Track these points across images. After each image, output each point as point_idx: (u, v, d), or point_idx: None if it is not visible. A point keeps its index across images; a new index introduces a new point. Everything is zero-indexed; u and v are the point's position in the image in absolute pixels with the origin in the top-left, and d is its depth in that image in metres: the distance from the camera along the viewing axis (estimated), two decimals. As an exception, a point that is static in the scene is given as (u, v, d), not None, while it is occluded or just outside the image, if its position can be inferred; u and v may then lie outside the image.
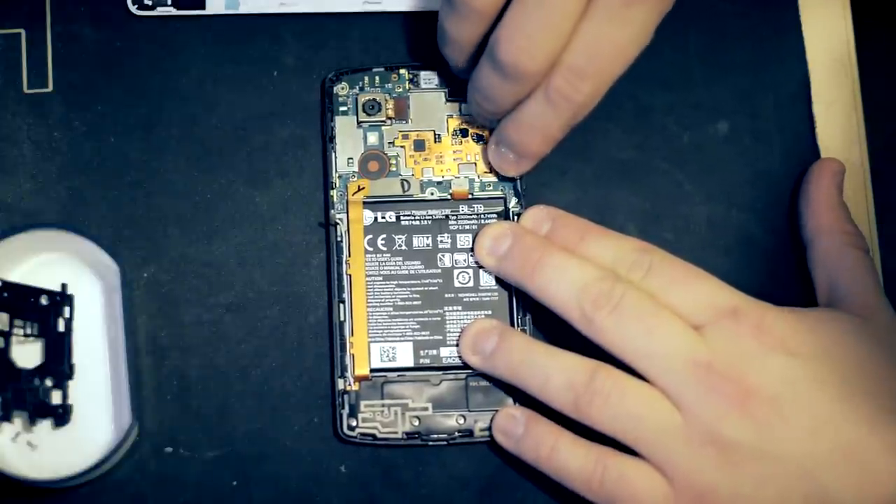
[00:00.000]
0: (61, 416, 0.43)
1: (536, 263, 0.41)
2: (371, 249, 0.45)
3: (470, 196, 0.45)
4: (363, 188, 0.45)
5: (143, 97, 0.47)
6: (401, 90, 0.46)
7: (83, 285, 0.45)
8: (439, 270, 0.45)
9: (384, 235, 0.45)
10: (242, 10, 0.47)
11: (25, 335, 0.43)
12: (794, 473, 0.37)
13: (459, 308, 0.44)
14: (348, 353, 0.44)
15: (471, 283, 0.45)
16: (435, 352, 0.44)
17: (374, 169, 0.46)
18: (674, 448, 0.38)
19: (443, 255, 0.45)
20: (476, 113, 0.44)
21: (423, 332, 0.44)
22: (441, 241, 0.45)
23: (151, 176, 0.46)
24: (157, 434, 0.44)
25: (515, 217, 0.45)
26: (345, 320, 0.44)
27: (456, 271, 0.45)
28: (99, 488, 0.44)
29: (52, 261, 0.45)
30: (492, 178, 0.46)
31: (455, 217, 0.45)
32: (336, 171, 0.45)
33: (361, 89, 0.46)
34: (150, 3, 0.47)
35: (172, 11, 0.47)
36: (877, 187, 0.48)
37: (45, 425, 0.43)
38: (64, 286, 0.44)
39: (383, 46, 0.48)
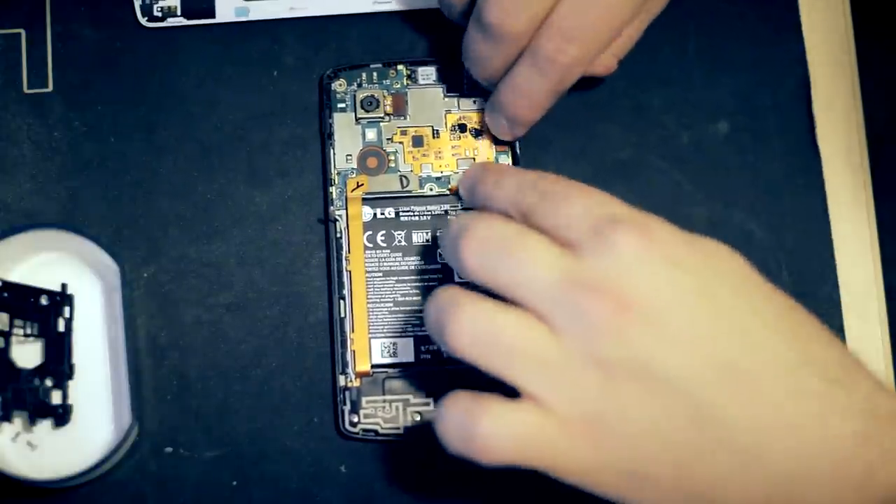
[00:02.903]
0: (61, 416, 0.43)
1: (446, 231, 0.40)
2: (370, 245, 0.45)
3: None
4: (362, 185, 0.45)
5: (143, 97, 0.47)
6: (399, 86, 0.46)
7: (83, 285, 0.45)
8: (439, 266, 0.45)
9: (383, 231, 0.45)
10: (252, 16, 0.47)
11: (25, 335, 0.43)
12: (678, 390, 0.35)
13: None
14: (349, 350, 0.44)
15: None
16: (436, 347, 0.44)
17: (373, 165, 0.46)
18: (554, 376, 0.35)
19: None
20: (474, 76, 0.44)
21: (424, 328, 0.44)
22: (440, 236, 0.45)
23: (151, 176, 0.46)
24: (157, 434, 0.44)
25: None
26: (345, 317, 0.44)
27: None
28: (99, 488, 0.44)
29: (52, 261, 0.45)
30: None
31: (454, 211, 0.45)
32: (335, 167, 0.45)
33: (359, 86, 0.46)
34: (160, 14, 0.47)
35: (183, 22, 0.47)
36: (877, 187, 0.48)
37: (45, 425, 0.44)
38: (64, 286, 0.44)
39: (383, 46, 0.48)
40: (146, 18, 0.47)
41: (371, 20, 0.48)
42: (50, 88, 0.47)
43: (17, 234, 0.43)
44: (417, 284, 0.45)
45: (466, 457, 0.36)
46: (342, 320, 0.44)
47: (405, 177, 0.46)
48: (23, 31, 0.47)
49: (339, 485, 0.44)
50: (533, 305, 0.36)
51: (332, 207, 0.45)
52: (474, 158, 0.46)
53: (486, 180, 0.41)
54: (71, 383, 0.44)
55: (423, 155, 0.46)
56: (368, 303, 0.44)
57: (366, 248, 0.45)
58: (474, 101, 0.46)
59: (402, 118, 0.46)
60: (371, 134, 0.46)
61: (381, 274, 0.45)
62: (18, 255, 0.44)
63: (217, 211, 0.46)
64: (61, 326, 0.44)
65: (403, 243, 0.45)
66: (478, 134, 0.46)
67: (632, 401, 0.35)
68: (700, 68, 0.48)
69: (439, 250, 0.44)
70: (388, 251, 0.45)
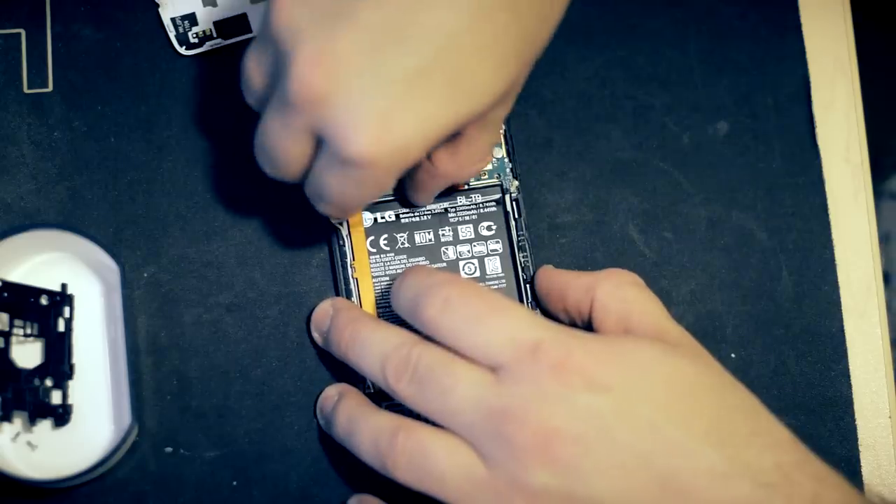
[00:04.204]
0: (61, 416, 0.43)
1: (348, 340, 0.41)
2: (374, 251, 0.45)
3: (466, 187, 0.45)
4: None
5: (143, 97, 0.47)
6: None
7: (83, 285, 0.45)
8: (445, 264, 0.45)
9: (386, 235, 0.45)
10: None
11: (25, 335, 0.43)
12: None
13: None
14: None
15: (477, 273, 0.45)
16: None
17: None
18: (483, 501, 0.37)
19: (446, 249, 0.45)
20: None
21: None
22: (443, 235, 0.45)
23: (151, 176, 0.46)
24: (157, 434, 0.44)
25: (515, 208, 0.45)
26: None
27: (461, 262, 0.45)
28: (99, 488, 0.44)
29: (52, 261, 0.45)
30: (486, 168, 0.46)
31: (454, 209, 0.45)
32: None
33: None
34: (196, 41, 0.47)
35: (221, 43, 0.47)
36: (877, 187, 0.48)
37: (45, 425, 0.43)
38: (64, 286, 0.44)
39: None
40: (183, 47, 0.47)
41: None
42: (50, 88, 0.47)
43: (17, 234, 0.43)
44: None
45: None
46: None
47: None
48: (23, 31, 0.47)
49: (339, 485, 0.44)
50: (461, 433, 0.37)
51: (332, 219, 0.45)
52: None
53: (408, 298, 0.40)
54: (71, 383, 0.44)
55: None
56: (378, 308, 0.44)
57: (370, 253, 0.45)
58: None
59: None
60: None
61: (387, 278, 0.45)
62: (18, 255, 0.44)
63: (217, 211, 0.46)
64: (61, 326, 0.44)
65: (407, 245, 0.45)
66: None
67: None
68: (700, 68, 0.48)
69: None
70: (393, 254, 0.45)
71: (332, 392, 0.43)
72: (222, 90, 0.47)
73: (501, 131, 0.46)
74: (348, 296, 0.44)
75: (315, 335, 0.44)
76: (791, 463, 0.36)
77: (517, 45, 0.37)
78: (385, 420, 0.39)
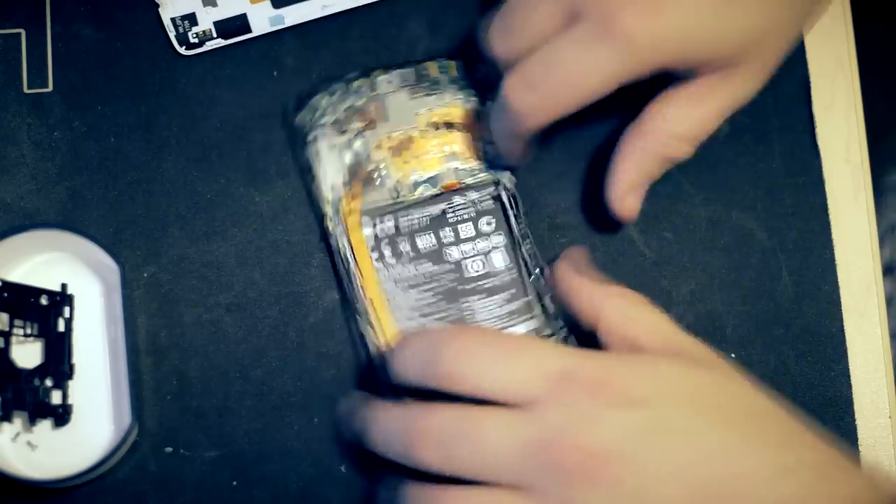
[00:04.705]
0: (61, 416, 0.43)
1: (360, 431, 0.40)
2: (379, 264, 0.45)
3: (461, 185, 0.45)
4: (354, 210, 0.45)
5: (143, 97, 0.47)
6: (363, 101, 0.46)
7: (83, 285, 0.45)
8: (451, 265, 0.45)
9: (388, 246, 0.45)
10: (287, 23, 0.47)
11: (25, 335, 0.43)
12: None
13: (479, 296, 0.45)
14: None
15: (483, 269, 0.45)
16: None
17: (362, 184, 0.45)
18: None
19: (449, 250, 0.45)
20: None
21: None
22: (444, 237, 0.45)
23: (151, 176, 0.46)
24: (157, 434, 0.44)
25: (512, 200, 0.45)
26: (373, 340, 0.44)
27: (466, 262, 0.45)
28: (99, 488, 0.44)
29: (52, 261, 0.45)
30: (476, 164, 0.46)
31: (452, 210, 0.45)
32: (325, 199, 0.45)
33: (324, 113, 0.46)
34: (196, 41, 0.47)
35: (221, 43, 0.47)
36: (877, 187, 0.48)
37: (45, 425, 0.43)
38: (64, 286, 0.44)
39: (383, 45, 0.47)
40: (183, 47, 0.47)
41: (371, 20, 0.48)
42: (50, 88, 0.47)
43: (17, 234, 0.43)
44: (434, 288, 0.45)
45: None
46: (368, 346, 0.44)
47: (396, 186, 0.45)
48: (23, 31, 0.47)
49: (339, 485, 0.44)
50: (501, 479, 0.36)
51: (332, 238, 0.45)
52: (456, 152, 0.46)
53: (418, 360, 0.39)
54: (71, 383, 0.44)
55: (405, 162, 0.46)
56: (395, 321, 0.44)
57: (375, 267, 0.45)
58: (439, 97, 0.46)
59: (377, 129, 0.46)
60: (351, 155, 0.46)
61: (398, 288, 0.45)
62: (18, 255, 0.44)
63: (217, 211, 0.46)
64: (61, 326, 0.44)
65: (411, 252, 0.45)
66: (450, 126, 0.46)
67: None
68: (700, 68, 0.48)
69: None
70: (399, 263, 0.45)
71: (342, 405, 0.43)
72: (222, 90, 0.47)
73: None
74: (366, 316, 0.44)
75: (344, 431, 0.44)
76: (827, 462, 0.36)
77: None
78: (416, 488, 0.38)
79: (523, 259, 0.45)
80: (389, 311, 0.44)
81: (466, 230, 0.45)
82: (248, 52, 0.47)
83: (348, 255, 0.45)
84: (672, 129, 0.41)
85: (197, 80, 0.47)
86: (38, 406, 0.43)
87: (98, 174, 0.46)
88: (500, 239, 0.45)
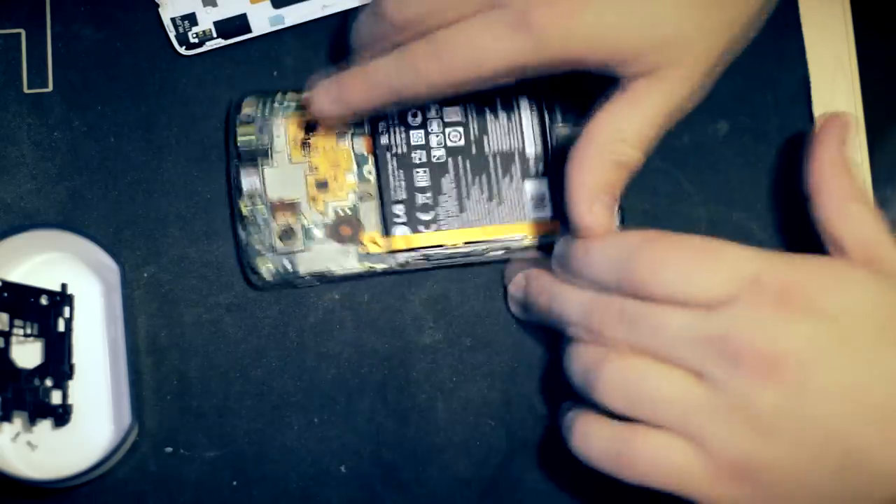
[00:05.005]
0: (61, 416, 0.43)
1: (549, 297, 0.42)
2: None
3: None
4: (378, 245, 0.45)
5: (143, 97, 0.47)
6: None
7: (83, 285, 0.45)
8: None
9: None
10: (287, 23, 0.47)
11: (25, 335, 0.43)
12: (829, 436, 0.36)
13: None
14: None
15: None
16: None
17: (347, 233, 0.45)
18: (702, 423, 0.37)
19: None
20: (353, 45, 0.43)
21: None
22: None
23: (151, 176, 0.46)
24: (157, 434, 0.44)
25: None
26: None
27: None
28: (99, 488, 0.44)
29: (52, 261, 0.45)
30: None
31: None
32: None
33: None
34: (196, 41, 0.47)
35: (221, 43, 0.47)
36: (877, 187, 0.48)
37: (45, 425, 0.44)
38: (64, 286, 0.44)
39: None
40: (183, 47, 0.47)
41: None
42: (50, 88, 0.47)
43: (17, 234, 0.43)
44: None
45: (612, 472, 0.38)
46: None
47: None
48: (23, 31, 0.47)
49: (339, 485, 0.44)
50: (675, 358, 0.38)
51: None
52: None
53: (611, 267, 0.40)
54: (71, 383, 0.44)
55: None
56: None
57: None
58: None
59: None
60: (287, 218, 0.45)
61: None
62: (18, 255, 0.44)
63: (217, 211, 0.46)
64: (61, 326, 0.44)
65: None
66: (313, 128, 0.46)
67: (780, 451, 0.36)
68: (700, 68, 0.48)
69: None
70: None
71: (520, 279, 0.44)
72: (222, 90, 0.47)
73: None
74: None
75: (513, 307, 0.45)
76: None
77: None
78: (591, 348, 0.40)
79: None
80: None
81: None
82: (248, 52, 0.47)
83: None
84: (616, 135, 0.41)
85: (197, 80, 0.47)
86: (38, 406, 0.43)
87: (98, 174, 0.46)
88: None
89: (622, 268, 0.39)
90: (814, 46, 0.48)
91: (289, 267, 0.44)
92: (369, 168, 0.45)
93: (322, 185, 0.45)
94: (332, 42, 0.47)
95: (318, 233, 0.45)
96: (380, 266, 0.45)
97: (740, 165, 0.47)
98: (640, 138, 0.41)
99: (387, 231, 0.45)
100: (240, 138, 0.45)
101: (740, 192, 0.47)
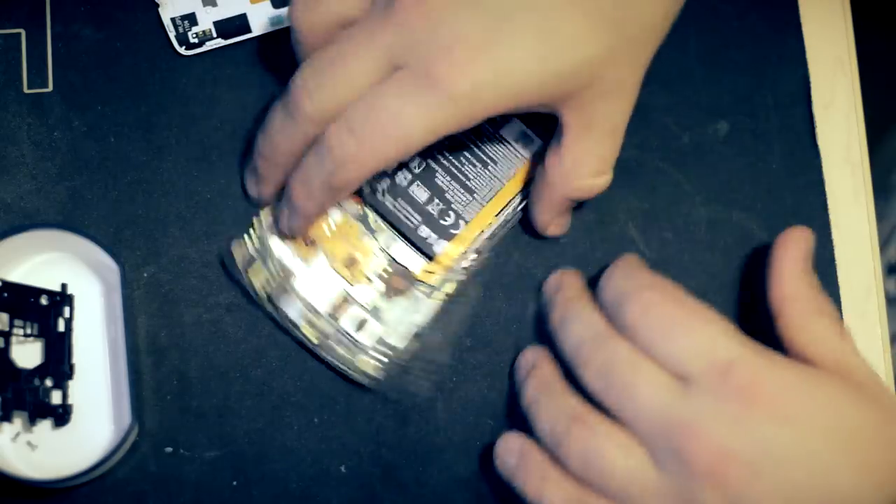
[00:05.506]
0: (61, 416, 0.43)
1: (559, 318, 0.42)
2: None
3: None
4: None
5: (143, 97, 0.47)
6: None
7: (83, 285, 0.45)
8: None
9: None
10: (287, 23, 0.47)
11: (25, 335, 0.43)
12: None
13: None
14: None
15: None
16: None
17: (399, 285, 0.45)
18: (649, 501, 0.37)
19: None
20: (259, 156, 0.43)
21: None
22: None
23: (151, 176, 0.46)
24: (157, 434, 0.44)
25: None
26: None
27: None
28: (99, 488, 0.44)
29: (52, 261, 0.45)
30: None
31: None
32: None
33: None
34: (196, 41, 0.47)
35: (221, 43, 0.47)
36: (876, 187, 0.48)
37: (45, 425, 0.43)
38: (64, 286, 0.44)
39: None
40: (183, 47, 0.47)
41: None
42: (50, 88, 0.47)
43: (17, 234, 0.43)
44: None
45: None
46: None
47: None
48: (23, 31, 0.47)
49: (339, 485, 0.44)
50: (637, 430, 0.38)
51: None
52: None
53: (613, 296, 0.41)
54: (71, 383, 0.44)
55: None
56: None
57: None
58: None
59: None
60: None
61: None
62: (18, 255, 0.44)
63: (217, 211, 0.46)
64: (61, 326, 0.44)
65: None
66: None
67: None
68: (700, 68, 0.48)
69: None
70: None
71: (529, 358, 0.44)
72: (222, 90, 0.47)
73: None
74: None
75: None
76: None
77: (615, 14, 0.39)
78: (567, 405, 0.40)
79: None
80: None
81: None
82: (248, 52, 0.47)
83: None
84: (574, 175, 0.42)
85: (197, 80, 0.47)
86: (38, 406, 0.43)
87: (98, 174, 0.46)
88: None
89: (621, 301, 0.40)
90: (814, 46, 0.48)
91: (391, 348, 0.44)
92: (373, 218, 0.45)
93: (351, 262, 0.45)
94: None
95: (382, 304, 0.44)
96: (453, 285, 0.45)
97: (740, 165, 0.47)
98: (599, 167, 0.42)
99: (430, 257, 0.45)
100: (259, 287, 0.44)
101: (740, 192, 0.47)
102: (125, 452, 0.43)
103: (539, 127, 0.46)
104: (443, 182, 0.45)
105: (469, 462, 0.45)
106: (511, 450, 0.41)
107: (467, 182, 0.45)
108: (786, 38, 0.48)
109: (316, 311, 0.44)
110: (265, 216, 0.45)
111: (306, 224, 0.43)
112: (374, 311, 0.44)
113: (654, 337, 0.38)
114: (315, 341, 0.44)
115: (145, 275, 0.46)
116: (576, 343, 0.40)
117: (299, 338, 0.44)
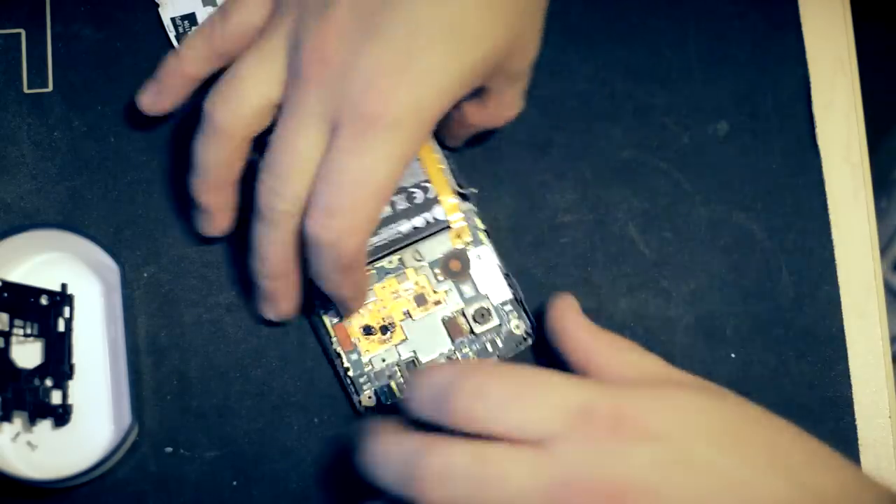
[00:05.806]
0: (61, 416, 0.43)
1: (366, 460, 0.38)
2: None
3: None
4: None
5: (143, 97, 0.47)
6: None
7: (83, 285, 0.45)
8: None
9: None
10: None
11: (25, 335, 0.43)
12: None
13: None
14: None
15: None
16: None
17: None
18: None
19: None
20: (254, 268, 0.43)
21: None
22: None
23: (151, 176, 0.46)
24: (157, 434, 0.44)
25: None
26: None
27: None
28: (99, 488, 0.44)
29: (52, 261, 0.45)
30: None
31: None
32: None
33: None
34: None
35: None
36: (876, 187, 0.48)
37: (45, 425, 0.43)
38: (64, 286, 0.44)
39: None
40: None
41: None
42: (50, 88, 0.47)
43: (17, 234, 0.43)
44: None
45: None
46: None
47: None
48: (23, 31, 0.47)
49: (339, 485, 0.44)
50: None
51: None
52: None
53: (432, 394, 0.37)
54: (71, 383, 0.44)
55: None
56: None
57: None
58: None
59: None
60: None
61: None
62: (18, 255, 0.44)
63: (217, 211, 0.46)
64: (61, 326, 0.44)
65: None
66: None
67: None
68: (700, 68, 0.48)
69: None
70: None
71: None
72: (222, 90, 0.47)
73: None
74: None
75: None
76: (851, 482, 0.36)
77: None
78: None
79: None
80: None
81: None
82: (248, 52, 0.47)
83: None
84: (495, 117, 0.44)
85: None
86: (38, 406, 0.43)
87: (98, 174, 0.46)
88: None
89: (445, 394, 0.36)
90: (814, 46, 0.48)
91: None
92: (387, 261, 0.45)
93: (421, 300, 0.45)
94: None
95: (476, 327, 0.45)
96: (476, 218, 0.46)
97: (740, 165, 0.47)
98: (519, 102, 0.44)
99: (445, 225, 0.45)
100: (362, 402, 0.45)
101: (740, 192, 0.47)
102: (125, 452, 0.43)
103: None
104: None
105: None
106: None
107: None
108: (786, 37, 0.48)
109: (403, 368, 0.45)
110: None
111: (362, 298, 0.43)
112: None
113: (496, 414, 0.35)
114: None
115: (145, 275, 0.46)
116: (399, 474, 0.36)
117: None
